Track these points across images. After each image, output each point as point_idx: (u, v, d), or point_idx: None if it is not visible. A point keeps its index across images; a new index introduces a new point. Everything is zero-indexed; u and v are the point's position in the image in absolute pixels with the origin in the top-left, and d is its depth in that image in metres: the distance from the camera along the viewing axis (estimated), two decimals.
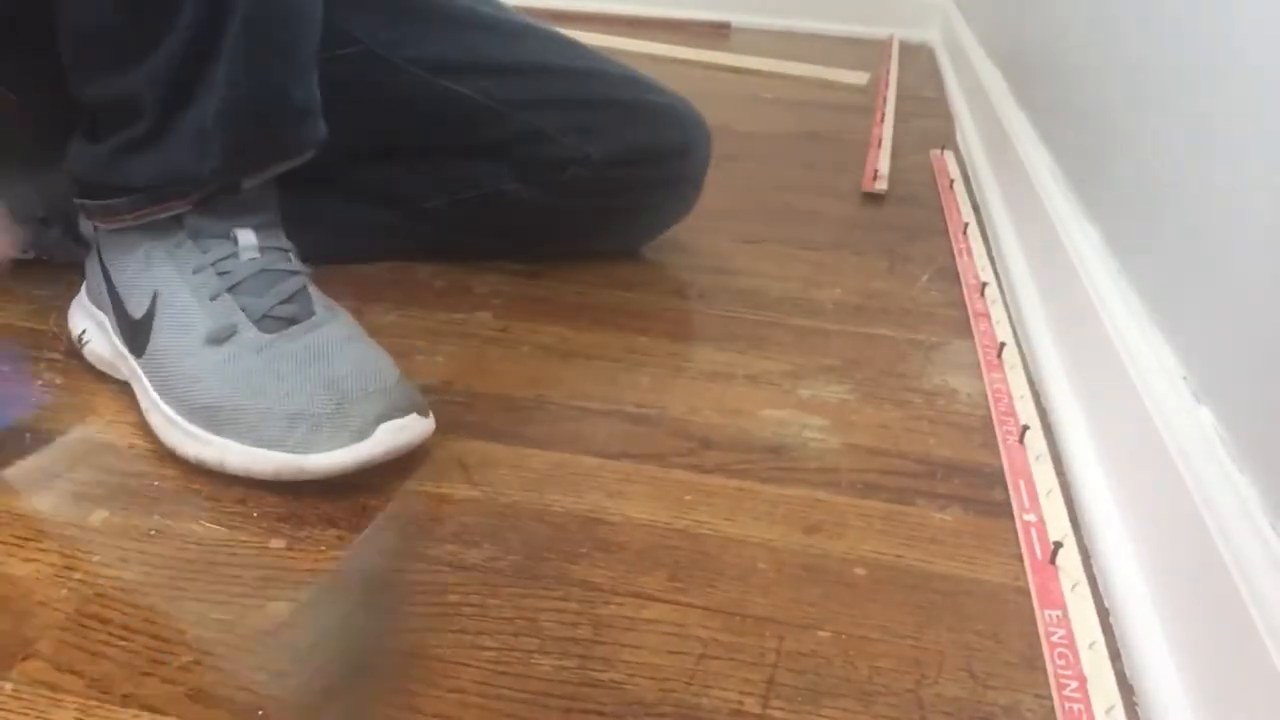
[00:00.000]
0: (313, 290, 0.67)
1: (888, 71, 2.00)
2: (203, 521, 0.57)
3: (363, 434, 0.59)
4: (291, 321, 0.64)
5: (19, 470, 0.61)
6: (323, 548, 0.55)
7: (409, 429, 0.61)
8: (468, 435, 0.66)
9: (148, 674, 0.46)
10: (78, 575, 0.52)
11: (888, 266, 0.95)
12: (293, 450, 0.59)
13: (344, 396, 0.60)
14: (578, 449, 0.66)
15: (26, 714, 0.44)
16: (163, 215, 0.66)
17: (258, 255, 0.66)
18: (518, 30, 0.92)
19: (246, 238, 0.66)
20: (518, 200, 0.90)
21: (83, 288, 0.74)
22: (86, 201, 0.68)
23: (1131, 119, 0.77)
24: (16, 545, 0.54)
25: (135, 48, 0.64)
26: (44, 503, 0.58)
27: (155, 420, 0.65)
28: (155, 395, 0.65)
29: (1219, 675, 0.44)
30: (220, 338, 0.63)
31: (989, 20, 1.73)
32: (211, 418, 0.61)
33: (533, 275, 0.92)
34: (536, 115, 0.90)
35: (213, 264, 0.65)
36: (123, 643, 0.48)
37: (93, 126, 0.68)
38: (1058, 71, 1.08)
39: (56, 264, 0.84)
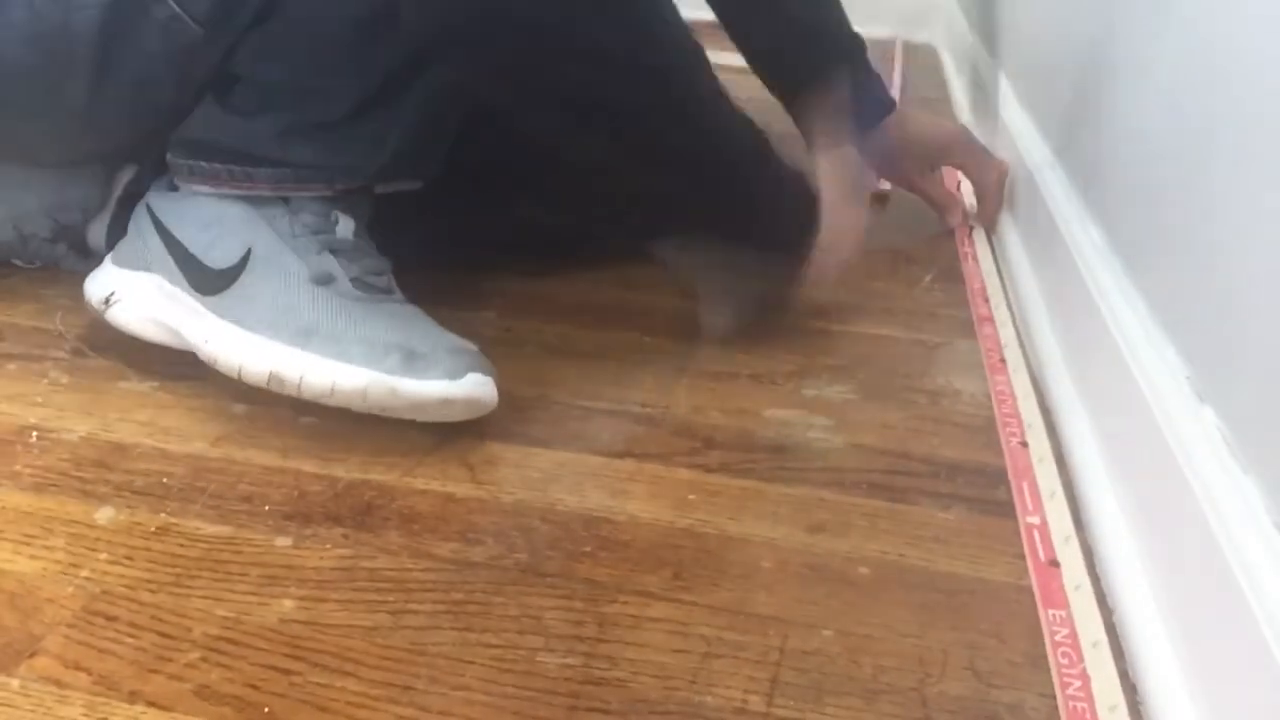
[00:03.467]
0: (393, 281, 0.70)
1: (891, 72, 2.00)
2: (209, 519, 0.57)
3: (454, 375, 0.63)
4: (381, 291, 0.68)
5: (26, 468, 0.61)
6: (328, 546, 0.56)
7: (489, 388, 0.65)
8: (472, 434, 0.66)
9: (154, 671, 0.47)
10: (84, 572, 0.53)
11: (891, 267, 0.96)
12: (387, 371, 0.62)
13: (439, 344, 0.64)
14: (582, 448, 0.66)
15: (34, 710, 0.44)
16: (298, 194, 0.68)
17: (352, 236, 0.69)
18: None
19: (345, 221, 0.70)
20: (557, 230, 0.92)
21: (106, 258, 0.74)
22: (203, 164, 0.69)
23: (1135, 118, 0.77)
24: (23, 543, 0.55)
25: (356, 45, 0.67)
26: (51, 500, 0.58)
27: (221, 341, 0.65)
28: (225, 322, 0.65)
29: (1222, 675, 0.44)
30: (322, 281, 0.66)
31: (992, 20, 1.73)
32: (306, 336, 0.63)
33: (537, 274, 0.92)
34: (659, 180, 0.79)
35: (312, 233, 0.68)
36: (129, 639, 0.48)
37: (245, 102, 0.69)
38: (1061, 71, 1.08)
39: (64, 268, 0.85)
